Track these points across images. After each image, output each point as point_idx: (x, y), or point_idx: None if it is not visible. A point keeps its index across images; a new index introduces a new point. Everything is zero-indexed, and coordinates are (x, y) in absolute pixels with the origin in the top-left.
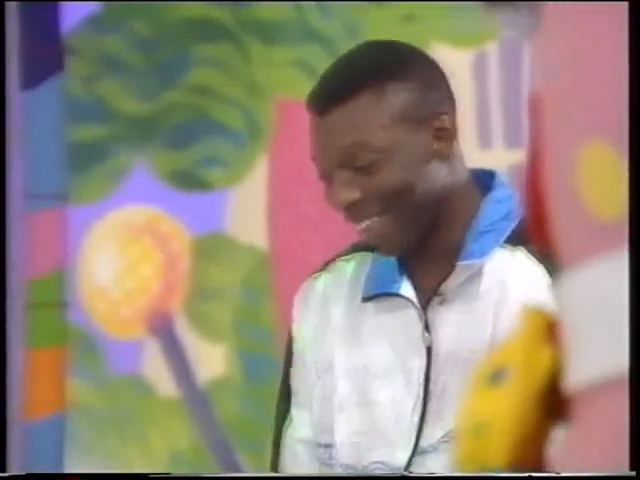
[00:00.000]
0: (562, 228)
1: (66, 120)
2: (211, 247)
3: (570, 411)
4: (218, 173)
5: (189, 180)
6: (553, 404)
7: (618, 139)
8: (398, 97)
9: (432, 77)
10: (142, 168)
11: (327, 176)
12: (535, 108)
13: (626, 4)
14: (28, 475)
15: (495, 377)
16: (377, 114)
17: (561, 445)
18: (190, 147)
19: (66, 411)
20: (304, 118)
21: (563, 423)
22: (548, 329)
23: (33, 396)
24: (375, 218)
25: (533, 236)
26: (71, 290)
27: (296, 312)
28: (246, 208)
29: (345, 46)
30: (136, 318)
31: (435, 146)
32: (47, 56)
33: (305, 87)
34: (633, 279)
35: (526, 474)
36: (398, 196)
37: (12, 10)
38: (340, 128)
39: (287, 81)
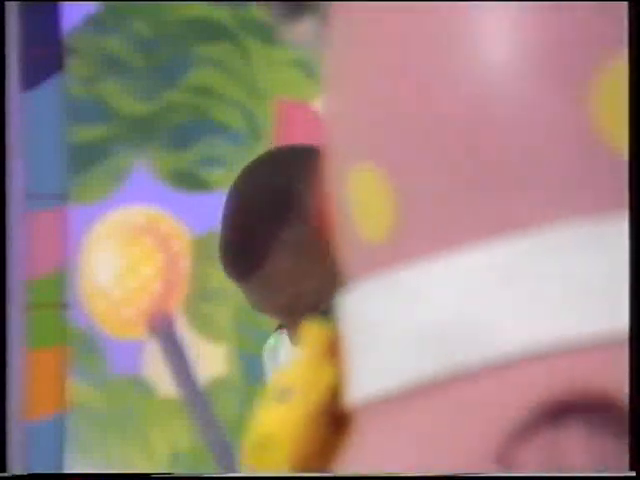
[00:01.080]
0: (340, 249)
1: (66, 120)
2: (211, 247)
3: (351, 427)
4: (218, 173)
5: (189, 180)
6: (335, 420)
7: (383, 162)
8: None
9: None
10: (142, 168)
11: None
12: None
13: (626, 4)
14: (30, 475)
15: (281, 395)
16: (298, 261)
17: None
18: (190, 147)
19: (66, 411)
20: (304, 118)
21: (345, 439)
22: (329, 347)
23: (33, 396)
24: None
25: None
26: (71, 290)
27: (267, 368)
28: None
29: None
30: (136, 318)
31: None
32: (47, 56)
33: (305, 87)
34: (634, 271)
35: (525, 474)
36: None
37: (12, 10)
38: (270, 291)
39: (287, 81)
